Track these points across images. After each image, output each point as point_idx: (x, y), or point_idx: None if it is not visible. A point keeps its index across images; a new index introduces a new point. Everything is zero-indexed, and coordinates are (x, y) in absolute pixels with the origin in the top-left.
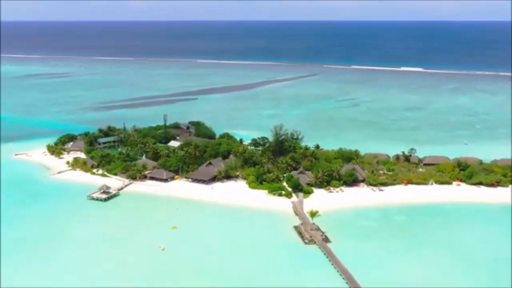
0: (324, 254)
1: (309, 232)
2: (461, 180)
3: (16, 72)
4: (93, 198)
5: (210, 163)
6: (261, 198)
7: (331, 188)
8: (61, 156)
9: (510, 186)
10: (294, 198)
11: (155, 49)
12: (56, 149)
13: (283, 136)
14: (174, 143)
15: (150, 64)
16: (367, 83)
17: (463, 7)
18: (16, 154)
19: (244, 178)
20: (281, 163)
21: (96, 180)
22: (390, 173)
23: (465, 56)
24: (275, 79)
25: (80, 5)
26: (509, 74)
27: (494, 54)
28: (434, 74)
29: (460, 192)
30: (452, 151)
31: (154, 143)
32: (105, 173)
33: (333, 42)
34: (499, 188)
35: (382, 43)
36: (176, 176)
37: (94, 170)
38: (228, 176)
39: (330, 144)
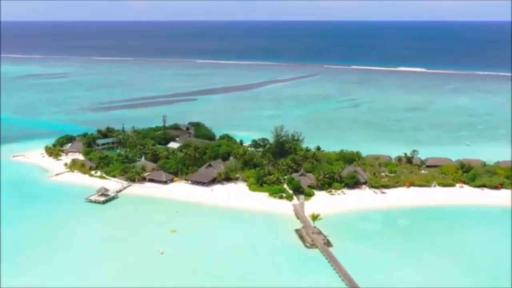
0: (326, 258)
1: (311, 236)
2: (464, 182)
3: (15, 72)
4: (91, 201)
5: (210, 165)
6: (262, 201)
7: (333, 191)
8: (59, 157)
9: None
10: (295, 200)
11: (155, 49)
12: (54, 151)
13: (283, 138)
14: (173, 145)
15: (149, 64)
16: (368, 83)
17: (463, 7)
18: (13, 156)
19: (244, 180)
20: (282, 165)
21: (94, 182)
22: (392, 175)
23: (465, 56)
24: (275, 79)
25: (80, 5)
26: (509, 74)
27: (494, 54)
28: (435, 74)
29: (463, 195)
30: (454, 152)
31: (153, 145)
32: (104, 175)
33: (333, 42)
34: (503, 191)
35: (382, 43)
36: (175, 178)
37: (93, 172)
38: (228, 178)
39: (331, 145)
